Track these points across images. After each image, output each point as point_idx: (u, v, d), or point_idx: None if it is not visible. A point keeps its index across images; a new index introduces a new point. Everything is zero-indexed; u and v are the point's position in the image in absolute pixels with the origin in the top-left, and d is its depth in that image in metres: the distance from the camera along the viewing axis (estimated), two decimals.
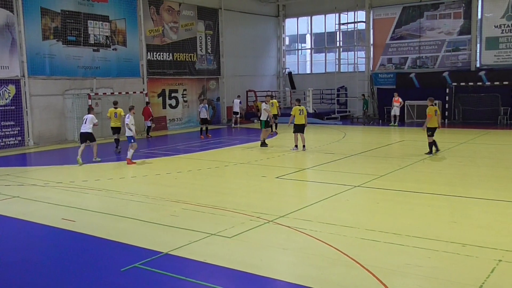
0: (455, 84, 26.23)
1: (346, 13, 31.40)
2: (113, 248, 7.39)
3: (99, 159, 15.85)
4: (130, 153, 15.13)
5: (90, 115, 15.60)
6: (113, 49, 23.52)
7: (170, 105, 26.93)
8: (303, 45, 37.16)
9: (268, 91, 32.71)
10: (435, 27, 28.20)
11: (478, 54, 27.08)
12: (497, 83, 24.87)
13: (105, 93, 22.61)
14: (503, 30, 26.04)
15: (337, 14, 31.82)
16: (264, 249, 7.13)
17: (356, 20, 30.94)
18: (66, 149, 19.78)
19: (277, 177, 12.48)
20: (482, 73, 26.28)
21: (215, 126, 27.57)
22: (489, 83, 25.36)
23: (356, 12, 30.85)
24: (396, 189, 10.82)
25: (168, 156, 16.95)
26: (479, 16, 26.90)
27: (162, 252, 6.96)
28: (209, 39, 28.90)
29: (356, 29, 31.26)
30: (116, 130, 18.24)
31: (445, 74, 27.27)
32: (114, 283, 6.08)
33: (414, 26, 28.83)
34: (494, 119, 25.12)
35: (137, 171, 14.13)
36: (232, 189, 11.96)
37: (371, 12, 30.25)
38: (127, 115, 15.35)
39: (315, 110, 29.39)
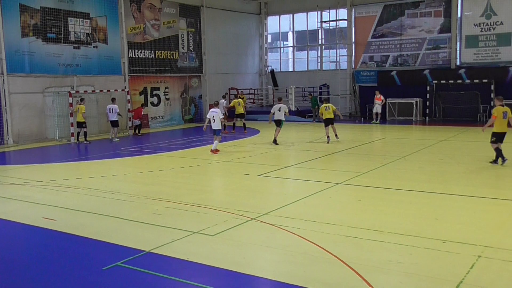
0: (436, 82, 26.55)
1: (328, 11, 31.56)
2: (94, 247, 7.31)
3: (118, 139, 20.66)
4: (215, 144, 16.23)
5: (115, 105, 20.74)
6: (94, 47, 23.25)
7: (152, 103, 26.74)
8: (285, 43, 37.22)
9: (250, 88, 32.79)
10: (416, 25, 28.49)
11: (458, 52, 27.45)
12: (477, 81, 25.25)
13: (86, 91, 22.35)
14: (482, 28, 26.41)
15: (319, 12, 31.95)
16: (247, 247, 7.13)
17: (338, 18, 31.13)
18: (46, 147, 19.51)
19: (259, 175, 12.49)
20: (462, 71, 26.64)
21: (197, 124, 27.47)
22: (469, 81, 25.73)
23: (338, 10, 31.02)
24: (378, 186, 10.91)
25: (151, 154, 16.84)
26: (459, 15, 27.26)
27: (144, 251, 6.91)
28: (191, 36, 28.76)
29: (338, 27, 31.43)
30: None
31: (426, 72, 27.57)
32: (96, 282, 6.02)
33: (395, 24, 29.09)
34: (473, 117, 25.49)
35: (119, 169, 14.01)
36: (215, 187, 11.95)
37: (353, 10, 30.43)
38: (216, 109, 16.44)
39: (297, 108, 29.47)
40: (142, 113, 23.96)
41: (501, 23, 25.86)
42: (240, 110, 22.32)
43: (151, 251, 6.92)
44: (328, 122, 18.78)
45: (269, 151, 16.86)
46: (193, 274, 6.16)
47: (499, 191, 10.21)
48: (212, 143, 16.49)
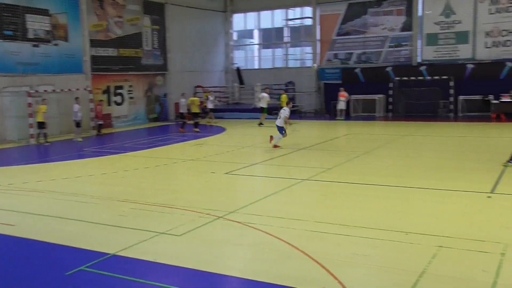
0: (398, 78, 27.10)
1: (294, 9, 31.77)
2: (57, 252, 7.11)
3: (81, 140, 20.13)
4: (277, 139, 16.14)
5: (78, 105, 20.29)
6: (54, 44, 22.62)
7: (116, 102, 26.26)
8: (251, 40, 37.23)
9: (216, 86, 32.63)
10: (379, 23, 28.98)
11: (419, 50, 28.09)
12: (437, 77, 25.90)
13: (46, 90, 21.72)
14: (442, 26, 27.10)
15: (284, 10, 32.11)
16: (215, 246, 7.09)
17: (303, 16, 31.35)
18: (4, 149, 18.86)
19: (226, 173, 12.46)
20: (423, 68, 27.27)
21: (162, 123, 27.17)
22: (429, 77, 26.37)
23: (303, 8, 31.25)
24: (344, 182, 11.06)
25: (115, 155, 16.54)
26: (420, 13, 27.89)
27: (110, 253, 6.77)
28: (155, 34, 28.37)
29: (303, 25, 31.66)
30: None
31: (389, 69, 28.09)
32: None
33: (359, 22, 29.50)
34: (434, 112, 26.15)
35: (81, 171, 13.69)
36: (181, 186, 11.84)
37: (318, 8, 30.70)
38: (284, 108, 16.56)
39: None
40: (103, 111, 23.23)
41: (460, 22, 26.60)
42: (195, 109, 22.19)
43: (117, 253, 6.79)
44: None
45: (236, 149, 16.84)
46: (161, 276, 6.09)
47: (459, 184, 10.48)
48: (178, 142, 16.30)
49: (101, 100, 23.71)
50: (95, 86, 24.61)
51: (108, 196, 10.29)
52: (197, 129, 21.87)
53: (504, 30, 25.65)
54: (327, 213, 8.57)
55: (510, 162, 12.19)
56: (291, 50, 33.24)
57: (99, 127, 22.76)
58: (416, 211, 8.65)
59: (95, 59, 24.69)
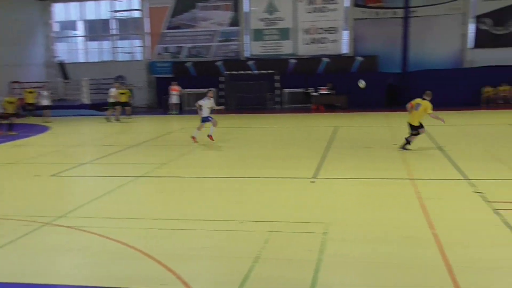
0: (228, 72, 28.05)
1: (121, 0, 30.62)
2: None
3: None
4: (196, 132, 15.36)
5: None
6: None
7: None
8: (75, 32, 34.95)
9: (36, 82, 29.96)
10: (208, 18, 29.57)
11: (246, 45, 29.40)
12: (264, 71, 27.46)
13: None
14: (266, 23, 28.76)
15: (111, 1, 30.76)
16: (41, 255, 6.49)
17: (131, 8, 30.44)
18: None
19: (52, 175, 11.50)
20: (251, 62, 28.65)
21: None
22: (257, 71, 27.81)
23: (130, 0, 30.32)
24: (179, 176, 11.05)
25: None
26: (246, 9, 29.16)
27: None
28: None
29: (131, 17, 30.76)
30: None
31: (219, 63, 28.89)
32: None
33: (188, 16, 29.73)
34: (263, 104, 27.70)
35: None
36: None
37: (146, 0, 30.10)
38: (206, 98, 15.40)
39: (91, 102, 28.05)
40: None
41: (282, 19, 28.52)
42: (9, 108, 20.04)
43: None
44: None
45: (63, 148, 15.71)
46: None
47: (287, 171, 11.23)
48: None
49: None
50: None
51: None
52: (12, 132, 18.90)
53: (320, 28, 28.21)
54: (164, 209, 8.48)
55: (404, 149, 12.89)
56: (119, 43, 32.07)
57: None
58: (249, 200, 9.03)
59: None
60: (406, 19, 26.81)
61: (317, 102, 26.33)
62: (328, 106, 25.99)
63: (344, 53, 28.26)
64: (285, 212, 8.04)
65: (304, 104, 26.87)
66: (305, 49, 28.53)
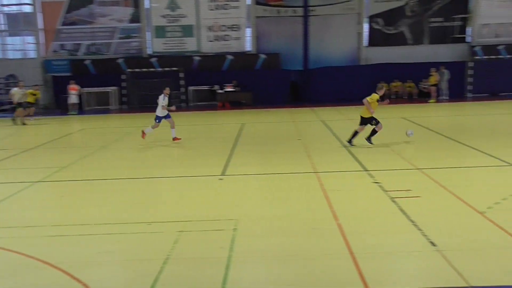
0: (130, 70, 27.20)
1: None
2: None
3: None
4: (149, 129, 14.76)
5: None
6: None
7: None
8: None
9: None
10: (107, 14, 28.43)
11: (148, 41, 28.71)
12: (168, 69, 26.98)
13: None
14: (168, 20, 28.28)
15: None
16: None
17: (20, 3, 28.40)
18: None
19: None
20: (154, 59, 28.03)
21: None
22: (160, 69, 27.27)
23: None
24: (81, 179, 10.56)
25: None
26: (147, 6, 28.46)
27: None
28: None
29: (21, 12, 28.72)
30: None
31: (120, 60, 27.93)
32: None
33: (85, 12, 28.36)
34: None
35: None
36: None
37: None
38: (162, 95, 14.81)
39: None
40: None
41: (185, 16, 28.21)
42: None
43: None
44: None
45: None
46: None
47: (196, 170, 11.14)
48: None
49: None
50: None
51: None
52: None
53: (223, 25, 28.32)
54: (66, 215, 8.06)
55: (350, 143, 12.99)
56: (9, 39, 29.84)
57: None
58: (157, 201, 8.86)
59: None
60: (305, 17, 27.78)
61: (223, 100, 26.43)
62: (234, 103, 26.21)
63: (248, 51, 28.63)
64: (195, 211, 7.99)
65: (210, 102, 26.86)
66: (209, 46, 28.50)
